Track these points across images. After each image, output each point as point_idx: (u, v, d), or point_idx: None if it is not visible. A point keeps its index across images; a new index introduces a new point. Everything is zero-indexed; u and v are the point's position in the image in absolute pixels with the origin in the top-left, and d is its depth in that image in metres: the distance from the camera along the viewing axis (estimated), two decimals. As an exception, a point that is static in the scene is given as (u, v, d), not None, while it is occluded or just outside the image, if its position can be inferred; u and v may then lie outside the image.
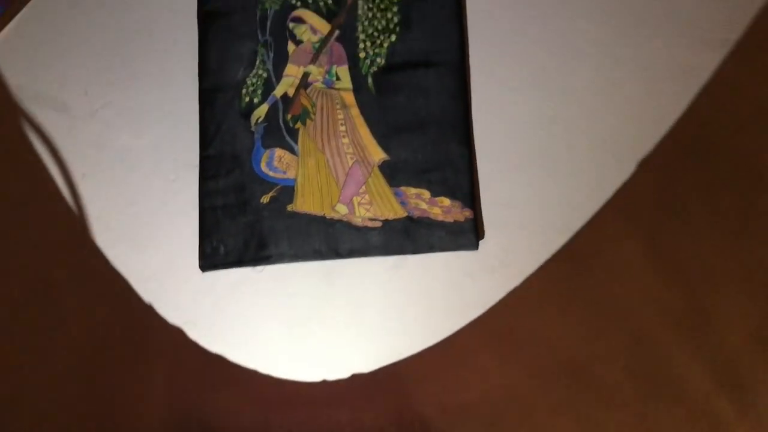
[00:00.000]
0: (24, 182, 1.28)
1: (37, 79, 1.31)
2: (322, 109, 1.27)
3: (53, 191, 1.28)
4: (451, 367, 1.18)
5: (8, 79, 1.32)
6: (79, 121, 1.29)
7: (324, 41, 1.24)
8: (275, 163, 1.25)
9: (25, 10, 1.33)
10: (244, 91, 1.27)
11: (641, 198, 1.19)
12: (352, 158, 1.24)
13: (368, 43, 1.28)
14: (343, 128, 1.25)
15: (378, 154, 1.23)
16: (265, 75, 1.25)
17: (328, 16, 1.29)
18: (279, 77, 1.24)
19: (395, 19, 1.28)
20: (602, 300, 1.17)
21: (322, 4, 1.29)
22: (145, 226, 1.25)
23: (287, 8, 1.30)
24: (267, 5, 1.30)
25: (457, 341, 1.18)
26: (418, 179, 1.22)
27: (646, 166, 1.20)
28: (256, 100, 1.26)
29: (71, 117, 1.30)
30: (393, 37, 1.27)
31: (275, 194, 1.23)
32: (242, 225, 1.22)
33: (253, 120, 1.26)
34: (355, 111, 1.26)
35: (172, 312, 1.22)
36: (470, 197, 1.22)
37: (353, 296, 1.21)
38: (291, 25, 1.29)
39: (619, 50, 1.23)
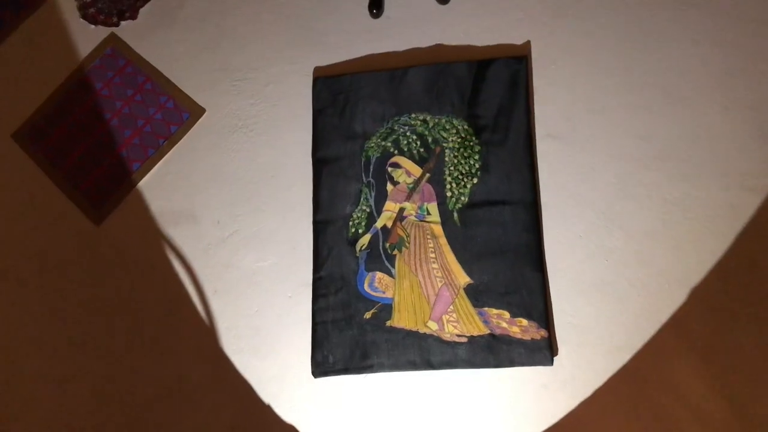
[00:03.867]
0: (163, 299, 1.53)
1: (177, 209, 1.59)
2: (415, 238, 1.51)
3: (189, 305, 1.53)
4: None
5: (153, 207, 1.60)
6: (212, 246, 1.55)
7: (417, 182, 1.49)
8: (376, 284, 1.48)
9: (173, 149, 1.63)
10: (350, 223, 1.53)
11: (693, 320, 1.37)
12: (441, 281, 1.46)
13: (454, 185, 1.53)
14: (433, 255, 1.48)
15: (463, 278, 1.46)
16: (368, 210, 1.51)
17: (420, 162, 1.55)
18: (379, 212, 1.52)
19: (476, 165, 1.53)
20: (658, 412, 1.34)
21: (415, 152, 1.56)
22: (266, 337, 1.47)
23: (387, 155, 1.56)
24: (370, 153, 1.57)
25: (535, 444, 1.35)
26: (499, 301, 1.43)
27: (697, 293, 1.39)
28: (360, 231, 1.51)
29: (206, 242, 1.56)
30: (475, 180, 1.51)
31: (376, 311, 1.46)
32: (348, 337, 1.44)
33: (357, 247, 1.51)
34: (443, 240, 1.49)
35: (287, 412, 1.43)
36: (545, 318, 1.42)
37: (442, 406, 1.40)
38: (389, 169, 1.56)
39: (669, 193, 1.45)
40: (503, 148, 1.54)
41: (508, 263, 1.46)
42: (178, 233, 1.57)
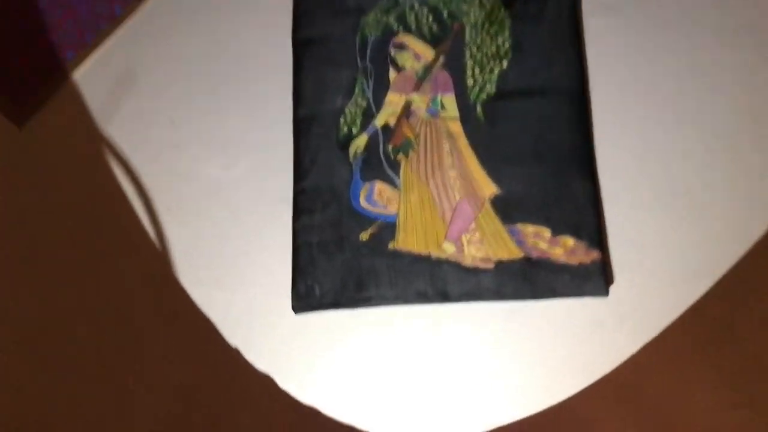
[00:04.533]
0: (104, 215, 1.19)
1: (120, 107, 1.24)
2: (426, 139, 1.16)
3: (136, 225, 1.19)
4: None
5: (91, 105, 1.25)
6: (165, 151, 1.22)
7: (428, 68, 1.15)
8: (375, 198, 1.14)
9: (117, 33, 1.28)
10: (341, 120, 1.18)
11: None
12: (459, 192, 1.13)
13: (477, 70, 1.18)
14: (449, 160, 1.14)
15: (489, 188, 1.12)
16: (364, 104, 1.15)
17: (433, 41, 1.20)
18: (379, 106, 1.15)
19: (506, 44, 1.18)
20: (755, 359, 1.02)
21: (426, 29, 1.20)
22: (234, 265, 1.14)
23: (388, 34, 1.21)
24: (367, 32, 1.21)
25: (579, 404, 1.03)
26: (535, 216, 1.10)
27: (797, 204, 1.06)
28: (354, 131, 1.16)
29: (156, 147, 1.22)
30: (504, 63, 1.17)
31: (375, 231, 1.12)
32: (339, 263, 1.11)
33: (351, 151, 1.17)
34: (462, 141, 1.14)
35: (261, 358, 1.10)
36: (597, 237, 1.09)
37: (462, 347, 1.07)
38: (393, 51, 1.20)
39: (756, 76, 1.11)
40: (541, 23, 1.18)
41: (548, 169, 1.12)
42: (121, 136, 1.22)
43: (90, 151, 1.23)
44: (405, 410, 1.07)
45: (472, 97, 1.13)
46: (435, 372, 1.08)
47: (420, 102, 1.14)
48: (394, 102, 1.15)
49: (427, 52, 1.16)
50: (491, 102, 1.12)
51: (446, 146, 1.13)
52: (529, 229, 1.10)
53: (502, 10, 1.19)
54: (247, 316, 1.12)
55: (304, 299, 1.12)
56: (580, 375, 1.05)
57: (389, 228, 1.10)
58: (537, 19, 1.19)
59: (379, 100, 1.15)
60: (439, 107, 1.14)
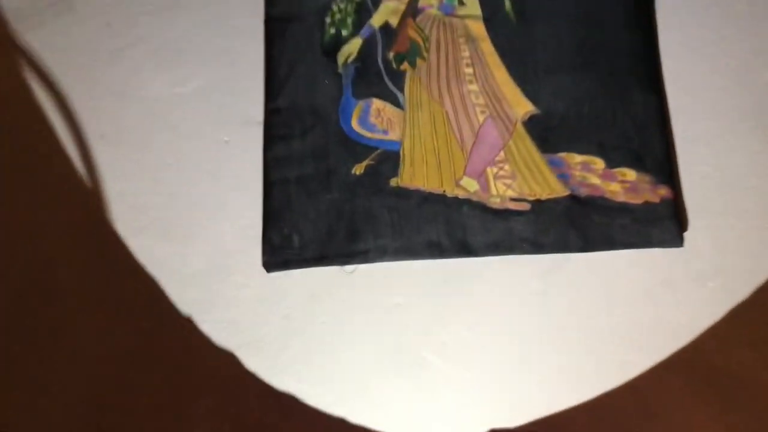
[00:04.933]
0: (21, 143, 0.92)
1: (45, 5, 0.96)
2: (438, 44, 0.91)
3: (60, 157, 0.91)
4: (639, 423, 0.78)
5: (8, 5, 0.97)
6: (100, 62, 0.94)
7: None
8: (372, 119, 0.88)
9: None
10: (328, 19, 0.92)
11: None
12: (483, 112, 0.88)
13: None
14: (469, 70, 0.89)
15: (522, 106, 0.87)
16: None
17: None
18: (377, 2, 0.92)
19: None
20: None
21: None
22: (186, 209, 0.87)
23: None
24: None
25: (648, 385, 0.78)
26: (584, 142, 0.85)
27: None
28: (345, 33, 0.92)
29: (89, 57, 0.94)
30: None
31: (372, 162, 0.87)
32: (325, 206, 0.86)
33: (341, 59, 0.91)
34: (486, 46, 0.90)
35: (222, 330, 0.84)
36: (667, 168, 0.83)
37: (488, 314, 0.81)
38: None
39: None
40: None
41: (599, 79, 0.87)
42: (45, 45, 0.94)
43: (5, 65, 0.95)
44: (411, 399, 0.81)
45: None
46: (450, 350, 0.82)
47: None
48: None
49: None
50: None
51: (465, 52, 0.91)
52: (575, 159, 0.85)
53: None
54: (203, 276, 0.85)
55: (279, 253, 0.85)
56: (646, 350, 0.79)
57: (391, 159, 0.87)
58: None
59: None
60: (456, 2, 0.92)
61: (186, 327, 0.84)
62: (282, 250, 0.85)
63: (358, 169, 0.87)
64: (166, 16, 0.95)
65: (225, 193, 0.88)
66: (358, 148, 0.87)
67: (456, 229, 0.84)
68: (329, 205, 0.86)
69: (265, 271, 0.85)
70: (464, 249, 0.83)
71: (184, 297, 0.85)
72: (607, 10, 0.89)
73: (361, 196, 0.86)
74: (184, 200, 0.88)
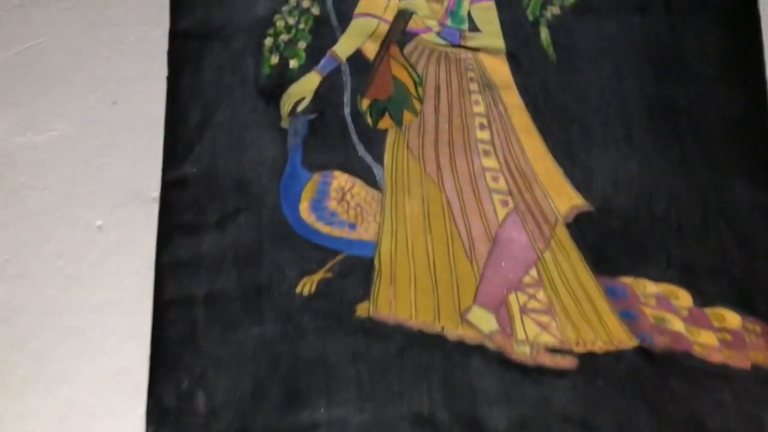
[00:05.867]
0: None
1: None
2: (438, 89, 0.64)
3: None
4: None
5: None
6: None
7: None
8: (332, 205, 0.59)
9: None
10: (269, 40, 0.63)
11: None
12: (504, 202, 0.60)
13: None
14: (484, 134, 0.62)
15: (566, 198, 0.61)
16: (315, 9, 0.63)
17: None
18: (345, 16, 0.63)
19: None
20: None
21: None
22: (21, 355, 0.54)
23: None
24: None
25: None
26: (661, 261, 0.58)
27: None
28: (294, 63, 0.63)
29: None
30: None
31: (330, 275, 0.58)
32: (251, 345, 0.57)
33: (286, 106, 0.62)
34: (511, 97, 0.63)
35: None
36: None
37: None
38: None
39: None
40: None
41: (683, 162, 0.60)
42: None
43: None
44: None
45: (531, 10, 0.63)
46: None
47: (427, 13, 0.63)
48: (373, 11, 0.63)
49: None
50: (568, 20, 0.63)
51: (480, 106, 0.63)
52: (647, 288, 0.58)
53: None
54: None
55: (173, 420, 0.52)
56: None
57: (359, 270, 0.58)
58: None
59: (344, 2, 0.64)
60: (464, 26, 0.63)
61: None
62: (178, 417, 0.52)
63: (307, 286, 0.56)
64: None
65: (91, 314, 0.56)
66: (309, 251, 0.59)
67: (459, 394, 0.53)
68: (257, 344, 0.54)
69: (149, 454, 0.53)
70: (472, 428, 0.52)
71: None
72: (694, 50, 0.60)
73: (310, 331, 0.54)
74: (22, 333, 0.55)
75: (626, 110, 0.62)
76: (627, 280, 0.58)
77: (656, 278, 0.58)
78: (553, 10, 0.64)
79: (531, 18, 0.64)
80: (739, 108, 0.62)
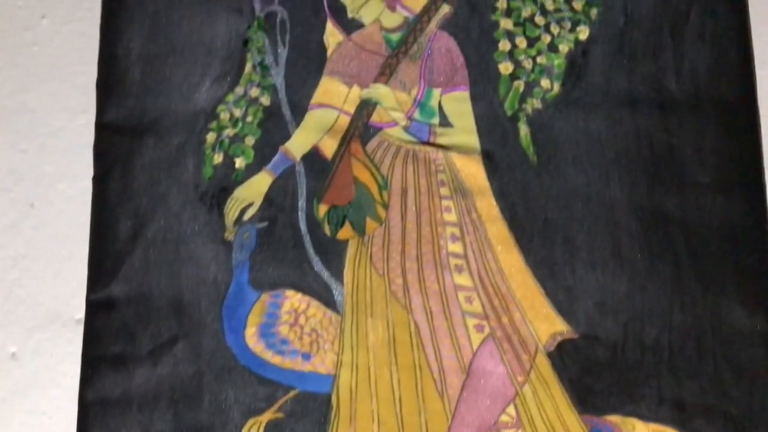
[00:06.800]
0: None
1: None
2: (405, 193, 0.55)
3: None
4: None
5: None
6: None
7: (414, 27, 0.57)
8: (283, 331, 0.52)
9: None
10: (210, 135, 0.55)
11: None
12: (478, 327, 0.53)
13: (520, 42, 0.57)
14: (457, 247, 0.54)
15: (547, 324, 0.54)
16: (265, 99, 0.56)
17: None
18: (300, 107, 0.56)
19: None
20: None
21: None
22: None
23: None
24: None
25: None
26: (652, 396, 0.52)
27: None
28: (240, 162, 0.55)
29: None
30: (583, 31, 0.57)
31: (281, 416, 0.51)
32: None
33: (230, 213, 0.55)
34: (487, 205, 0.55)
35: None
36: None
37: None
38: None
39: None
40: None
41: (677, 283, 0.53)
42: None
43: None
44: None
45: (509, 104, 0.56)
46: None
47: (393, 103, 0.56)
48: (332, 102, 0.56)
49: (412, -8, 0.58)
50: (550, 115, 0.56)
51: (452, 214, 0.55)
52: (638, 428, 0.52)
53: None
54: None
55: None
56: None
57: (315, 409, 0.51)
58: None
59: (297, 93, 0.57)
60: (436, 119, 0.56)
61: None
62: None
63: (254, 429, 0.49)
64: None
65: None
66: (256, 386, 0.51)
67: None
68: None
69: None
70: None
71: None
72: (689, 153, 0.54)
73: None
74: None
75: (615, 221, 0.55)
76: (614, 419, 0.51)
77: (646, 417, 0.51)
78: (534, 104, 0.57)
79: (509, 112, 0.57)
80: (737, 220, 0.56)
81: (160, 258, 0.55)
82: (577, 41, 0.59)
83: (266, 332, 0.55)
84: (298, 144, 0.57)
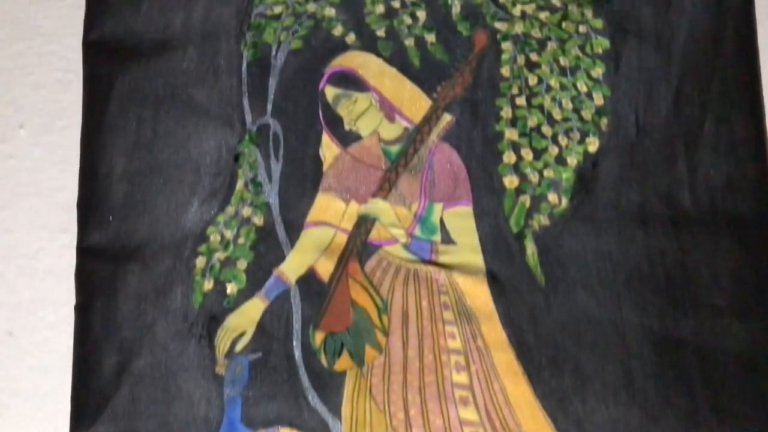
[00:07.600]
0: None
1: None
2: (407, 318, 0.52)
3: None
4: None
5: None
6: None
7: (413, 139, 0.54)
8: None
9: None
10: (200, 262, 0.52)
11: None
12: None
13: (526, 154, 0.54)
14: (462, 377, 0.50)
15: None
16: (258, 219, 0.53)
17: (425, 75, 0.55)
18: (294, 226, 0.53)
19: (601, 90, 0.54)
20: None
21: (410, 42, 0.53)
22: None
23: (317, 52, 0.55)
24: (268, 37, 0.55)
25: None
26: None
27: None
28: (231, 289, 0.52)
29: None
30: (592, 142, 0.54)
31: None
32: None
33: (222, 343, 0.51)
34: (493, 330, 0.51)
35: None
36: None
37: None
38: (330, 92, 0.55)
39: None
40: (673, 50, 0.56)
41: (703, 411, 0.50)
42: None
43: None
44: None
45: (515, 220, 0.53)
46: None
47: (393, 219, 0.54)
48: (328, 219, 0.54)
49: (413, 101, 0.55)
50: (558, 232, 0.53)
51: (456, 340, 0.51)
52: None
53: (588, 6, 0.54)
54: None
55: None
56: None
57: None
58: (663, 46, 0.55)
59: (291, 211, 0.54)
60: (438, 236, 0.54)
61: None
62: None
63: None
64: None
65: None
66: None
67: None
68: None
69: None
70: None
71: None
72: (705, 274, 0.52)
73: None
74: None
75: (627, 348, 0.53)
76: None
77: None
78: (541, 220, 0.55)
79: (515, 229, 0.53)
80: (756, 346, 0.53)
81: (148, 396, 0.51)
82: (586, 153, 0.57)
83: (259, 474, 0.52)
84: (293, 266, 0.54)
